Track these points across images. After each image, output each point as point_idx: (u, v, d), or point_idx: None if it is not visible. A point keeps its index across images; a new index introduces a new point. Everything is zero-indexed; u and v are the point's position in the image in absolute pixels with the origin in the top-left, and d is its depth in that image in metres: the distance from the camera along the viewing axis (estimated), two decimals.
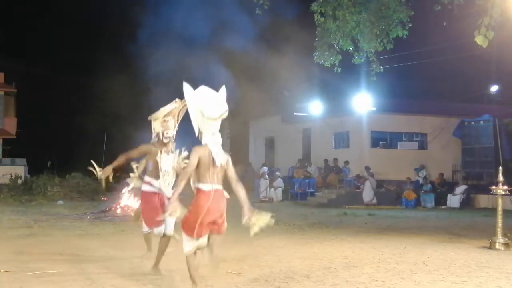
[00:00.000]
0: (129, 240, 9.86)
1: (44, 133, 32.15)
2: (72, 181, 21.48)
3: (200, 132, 5.60)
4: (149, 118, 7.07)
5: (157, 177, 6.94)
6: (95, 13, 38.42)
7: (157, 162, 6.88)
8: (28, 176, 24.81)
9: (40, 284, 6.25)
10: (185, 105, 6.67)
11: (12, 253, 8.32)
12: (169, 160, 6.92)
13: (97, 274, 6.72)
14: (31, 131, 34.84)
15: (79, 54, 37.80)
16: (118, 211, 15.25)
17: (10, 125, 37.06)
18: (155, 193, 6.98)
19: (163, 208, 6.67)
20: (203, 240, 5.67)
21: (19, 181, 22.12)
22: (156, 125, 7.02)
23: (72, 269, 7.01)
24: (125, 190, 15.84)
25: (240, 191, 5.72)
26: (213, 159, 5.52)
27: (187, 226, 5.59)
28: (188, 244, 5.64)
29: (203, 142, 5.55)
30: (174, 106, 7.03)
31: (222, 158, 5.64)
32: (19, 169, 25.46)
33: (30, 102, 35.33)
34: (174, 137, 7.07)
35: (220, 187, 5.66)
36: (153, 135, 7.05)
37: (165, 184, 6.93)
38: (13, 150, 35.77)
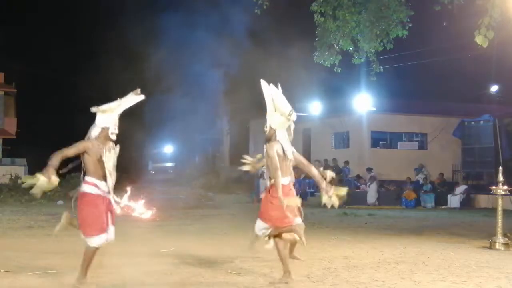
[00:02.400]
0: (129, 240, 9.85)
1: (44, 133, 32.16)
2: (72, 181, 21.46)
3: (271, 128, 6.10)
4: (95, 109, 6.14)
5: (102, 177, 6.01)
6: (94, 12, 38.45)
7: (102, 161, 5.97)
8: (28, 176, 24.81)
9: (40, 284, 6.25)
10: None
11: (12, 253, 8.32)
12: (111, 158, 6.07)
13: (97, 274, 6.71)
14: (31, 131, 34.84)
15: (79, 53, 37.80)
16: (118, 211, 15.23)
17: (10, 125, 37.06)
18: (100, 196, 6.00)
19: (110, 213, 6.03)
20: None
21: (19, 181, 22.09)
22: (105, 119, 6.10)
23: (72, 269, 6.99)
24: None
25: (314, 171, 6.33)
26: (285, 154, 6.01)
27: (279, 220, 6.02)
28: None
29: (277, 138, 6.05)
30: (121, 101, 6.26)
31: (291, 152, 6.16)
32: (19, 169, 25.45)
33: (30, 102, 35.33)
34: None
35: (292, 178, 6.14)
36: (96, 129, 6.12)
37: (110, 185, 6.05)
38: (13, 150, 35.78)
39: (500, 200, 9.70)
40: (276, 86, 6.29)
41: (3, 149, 36.51)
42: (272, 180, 6.09)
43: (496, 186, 9.80)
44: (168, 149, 36.14)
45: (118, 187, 16.43)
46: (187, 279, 6.59)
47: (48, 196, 19.43)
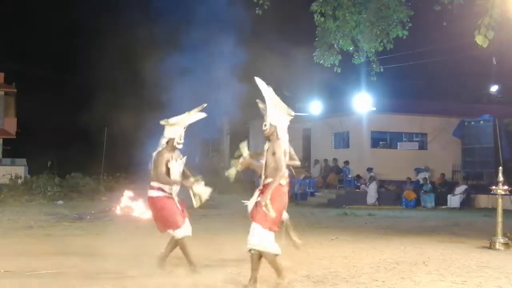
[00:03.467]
0: (129, 240, 9.85)
1: (44, 133, 32.11)
2: (72, 181, 21.49)
3: (272, 126, 6.05)
4: (164, 122, 6.92)
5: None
6: (94, 12, 38.41)
7: (168, 169, 6.79)
8: (28, 176, 24.79)
9: (40, 284, 6.26)
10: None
11: (12, 253, 8.32)
12: (177, 167, 6.89)
13: (96, 274, 6.72)
14: (31, 131, 34.80)
15: (79, 53, 37.77)
16: (118, 211, 15.26)
17: (10, 125, 37.04)
18: (168, 197, 6.86)
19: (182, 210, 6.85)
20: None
21: (19, 181, 22.10)
22: (172, 130, 6.90)
23: (72, 269, 7.01)
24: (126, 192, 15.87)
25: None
26: (285, 153, 6.03)
27: (274, 221, 5.86)
28: (271, 240, 5.90)
29: (279, 136, 6.02)
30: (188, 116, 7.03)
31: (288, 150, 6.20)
32: (19, 169, 25.45)
33: (30, 102, 35.29)
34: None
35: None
36: (164, 140, 6.94)
37: (174, 191, 6.90)
38: (13, 150, 35.77)
39: (500, 200, 9.71)
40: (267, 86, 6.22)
41: (3, 149, 36.50)
42: (268, 180, 5.94)
43: (496, 186, 9.80)
44: None
45: (118, 188, 16.39)
46: (187, 279, 6.59)
47: (48, 196, 19.47)
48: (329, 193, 22.66)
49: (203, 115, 7.12)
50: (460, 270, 7.40)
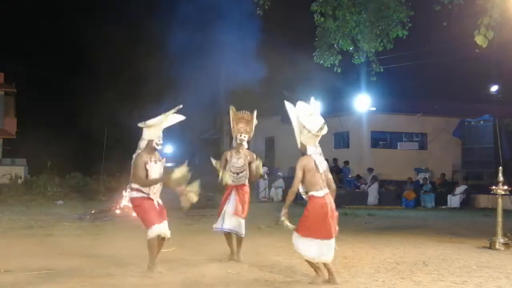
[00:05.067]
0: (129, 240, 9.84)
1: (44, 133, 32.10)
2: (72, 181, 21.47)
3: (303, 145, 6.57)
4: (142, 125, 6.89)
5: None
6: (93, 12, 38.46)
7: (147, 170, 6.76)
8: (28, 176, 24.79)
9: (40, 284, 6.26)
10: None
11: (12, 253, 8.32)
12: (157, 169, 6.86)
13: (96, 274, 6.71)
14: (31, 131, 34.79)
15: (80, 53, 37.76)
16: (118, 211, 15.25)
17: (10, 125, 37.02)
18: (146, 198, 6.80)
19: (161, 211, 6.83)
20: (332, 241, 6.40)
21: (19, 181, 22.10)
22: (151, 132, 6.87)
23: (72, 269, 7.00)
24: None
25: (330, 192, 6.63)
26: (317, 167, 6.46)
27: (312, 230, 6.38)
28: (312, 247, 6.34)
29: (308, 153, 6.52)
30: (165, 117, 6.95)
31: (324, 165, 6.61)
32: (19, 169, 25.42)
33: (30, 102, 35.31)
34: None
35: (328, 190, 6.55)
36: (143, 142, 6.90)
37: (154, 193, 6.86)
38: (13, 150, 35.75)
39: (500, 200, 9.71)
40: (307, 102, 6.72)
41: (3, 149, 36.49)
42: (308, 193, 6.55)
43: (496, 186, 9.81)
44: (168, 149, 36.14)
45: (118, 188, 16.40)
46: (187, 279, 6.60)
47: (48, 196, 19.46)
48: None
49: (181, 117, 7.13)
50: (460, 270, 7.40)
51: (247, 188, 8.01)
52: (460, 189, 21.36)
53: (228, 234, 7.84)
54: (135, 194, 6.82)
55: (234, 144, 8.14)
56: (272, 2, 13.02)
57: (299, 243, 6.41)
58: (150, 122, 6.85)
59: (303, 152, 6.60)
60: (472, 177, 22.69)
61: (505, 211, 9.98)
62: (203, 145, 33.95)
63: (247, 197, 7.99)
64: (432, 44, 23.05)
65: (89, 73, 33.63)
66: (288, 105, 6.66)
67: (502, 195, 9.74)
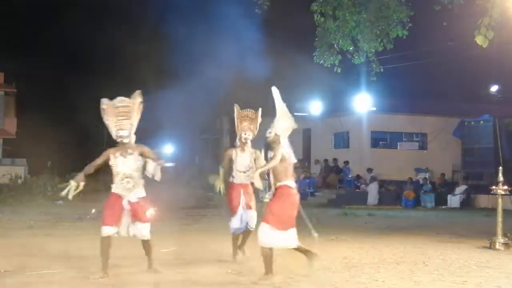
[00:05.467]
0: (127, 240, 9.83)
1: (44, 133, 32.10)
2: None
3: (276, 135, 6.55)
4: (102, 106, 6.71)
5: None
6: (93, 12, 38.44)
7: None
8: (28, 176, 24.78)
9: (40, 284, 6.26)
10: (137, 105, 6.67)
11: (12, 253, 8.32)
12: (127, 163, 6.65)
13: (96, 274, 6.70)
14: (31, 131, 34.80)
15: (80, 53, 37.78)
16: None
17: (10, 125, 37.01)
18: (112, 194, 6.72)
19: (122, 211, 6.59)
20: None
21: (19, 181, 22.09)
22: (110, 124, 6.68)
23: (71, 269, 7.00)
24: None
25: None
26: (289, 158, 6.51)
27: (280, 220, 6.34)
28: (277, 238, 6.37)
29: (281, 143, 6.50)
30: (124, 104, 6.65)
31: (293, 159, 6.61)
32: (19, 169, 25.44)
33: (30, 102, 35.31)
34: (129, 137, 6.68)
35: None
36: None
37: (125, 187, 6.68)
38: (13, 150, 35.74)
39: (500, 200, 9.71)
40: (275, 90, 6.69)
41: (3, 149, 36.48)
42: (279, 183, 6.50)
43: (496, 186, 9.80)
44: (168, 149, 36.13)
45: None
46: (187, 279, 6.59)
47: (48, 196, 19.44)
48: (329, 193, 22.65)
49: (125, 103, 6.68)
50: (460, 270, 7.40)
51: (252, 187, 8.00)
52: (460, 189, 21.36)
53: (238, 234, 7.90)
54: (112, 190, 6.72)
55: (237, 143, 8.07)
56: (272, 1, 13.02)
57: (269, 234, 6.35)
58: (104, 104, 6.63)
59: (272, 142, 6.60)
60: (472, 177, 22.67)
61: (505, 211, 9.97)
62: (203, 145, 33.93)
63: (253, 195, 8.05)
64: (432, 44, 23.04)
65: (89, 72, 33.65)
66: (275, 91, 6.70)
67: (502, 195, 9.74)
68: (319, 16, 12.98)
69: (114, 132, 6.64)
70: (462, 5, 11.47)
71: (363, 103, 23.30)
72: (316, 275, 6.89)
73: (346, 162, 23.77)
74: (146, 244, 6.73)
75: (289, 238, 6.44)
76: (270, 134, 6.59)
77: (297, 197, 6.56)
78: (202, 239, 10.18)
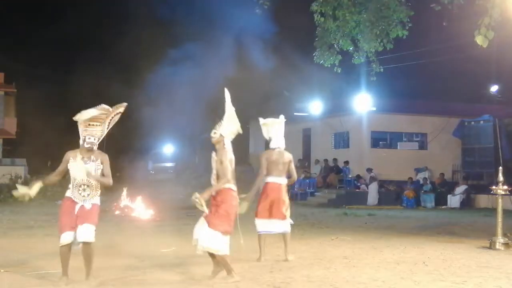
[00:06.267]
0: (128, 240, 9.85)
1: (44, 133, 32.09)
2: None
3: (221, 136, 6.58)
4: (75, 118, 6.43)
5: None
6: (93, 12, 38.45)
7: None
8: (28, 176, 24.77)
9: (40, 284, 6.25)
10: (115, 114, 6.48)
11: (12, 253, 8.32)
12: (87, 169, 6.37)
13: (96, 273, 6.70)
14: (31, 131, 34.81)
15: (80, 53, 37.78)
16: (117, 212, 15.25)
17: (10, 125, 37.03)
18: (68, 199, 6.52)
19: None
20: None
21: (19, 181, 22.08)
22: (80, 128, 6.43)
23: (71, 269, 6.98)
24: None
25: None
26: (231, 163, 6.53)
27: (225, 224, 6.41)
28: (223, 241, 6.39)
29: (225, 146, 6.54)
30: (100, 112, 6.41)
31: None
32: (19, 169, 25.42)
33: (30, 102, 35.28)
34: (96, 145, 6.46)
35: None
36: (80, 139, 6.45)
37: (80, 195, 6.42)
38: (13, 150, 35.76)
39: (500, 200, 9.71)
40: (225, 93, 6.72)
41: (3, 149, 36.48)
42: (220, 185, 6.47)
43: (496, 186, 9.80)
44: (168, 149, 36.13)
45: (117, 188, 16.35)
46: (187, 279, 6.59)
47: (48, 196, 19.43)
48: (329, 193, 22.66)
49: (102, 111, 6.42)
50: (460, 270, 7.40)
51: None
52: (460, 189, 21.37)
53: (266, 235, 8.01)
54: (66, 193, 6.48)
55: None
56: (272, 1, 13.03)
57: (212, 237, 6.34)
58: (77, 116, 6.37)
59: (216, 143, 6.62)
60: (472, 177, 22.69)
61: (505, 211, 9.98)
62: (203, 145, 33.94)
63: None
64: (432, 44, 23.06)
65: (89, 72, 33.61)
66: (226, 93, 6.71)
67: (502, 195, 9.73)
68: (319, 16, 12.98)
69: (82, 137, 6.38)
70: (462, 5, 11.46)
71: (363, 103, 23.31)
72: (316, 275, 6.89)
73: (346, 162, 23.78)
74: (88, 248, 6.15)
75: (227, 242, 6.41)
76: (215, 134, 6.61)
77: (237, 200, 6.59)
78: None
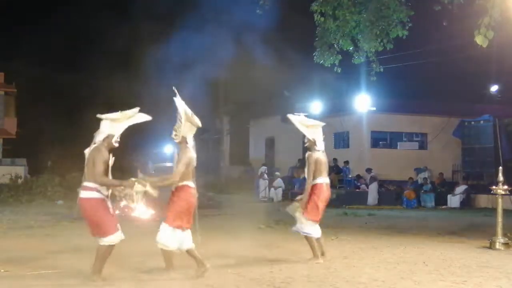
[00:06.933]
0: (128, 240, 9.83)
1: (44, 132, 32.10)
2: (72, 181, 21.41)
3: (183, 137, 6.62)
4: (104, 116, 6.36)
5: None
6: (96, 11, 38.42)
7: (108, 166, 6.29)
8: (28, 176, 24.76)
9: (40, 284, 6.26)
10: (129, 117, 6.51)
11: (12, 253, 8.33)
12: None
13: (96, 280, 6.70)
14: (31, 131, 34.82)
15: (80, 52, 37.74)
16: (117, 211, 15.22)
17: (10, 125, 37.07)
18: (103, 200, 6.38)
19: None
20: None
21: (19, 181, 22.08)
22: (112, 127, 6.34)
23: (72, 269, 7.00)
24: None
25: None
26: (192, 161, 6.65)
27: (183, 220, 6.61)
28: (177, 237, 6.59)
29: (188, 145, 6.62)
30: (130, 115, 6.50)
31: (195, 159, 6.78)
32: (19, 169, 25.39)
33: (30, 102, 35.28)
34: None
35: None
36: (101, 135, 6.32)
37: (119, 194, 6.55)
38: (13, 150, 35.76)
39: (500, 200, 9.71)
40: (174, 93, 6.69)
41: (3, 149, 36.50)
42: (172, 180, 6.57)
43: (496, 186, 9.80)
44: (168, 148, 36.13)
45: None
46: (187, 279, 6.59)
47: (48, 196, 19.43)
48: None
49: (147, 117, 6.57)
50: (460, 270, 7.40)
51: None
52: (460, 189, 21.36)
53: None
54: (90, 194, 6.20)
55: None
56: (272, 2, 13.04)
57: (166, 234, 6.51)
58: (115, 115, 6.37)
59: (180, 142, 6.66)
60: (472, 177, 22.69)
61: (505, 211, 9.97)
62: (203, 145, 33.93)
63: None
64: (432, 44, 23.06)
65: (89, 70, 33.61)
66: (177, 98, 6.66)
67: (502, 195, 9.73)
68: (319, 16, 12.98)
69: (116, 137, 6.37)
70: (462, 5, 11.47)
71: (363, 103, 23.31)
72: (316, 276, 6.90)
73: (346, 162, 23.76)
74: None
75: (186, 238, 6.58)
76: (176, 136, 6.65)
77: (196, 197, 6.71)
78: (202, 239, 10.13)
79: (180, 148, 6.69)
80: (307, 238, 7.98)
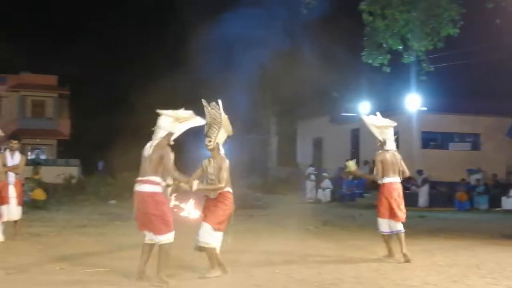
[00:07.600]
0: (183, 240, 9.95)
1: (97, 134, 32.83)
2: (124, 181, 21.82)
3: (217, 144, 6.75)
4: (164, 112, 6.40)
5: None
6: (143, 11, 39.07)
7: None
8: (81, 176, 25.42)
9: (92, 282, 6.38)
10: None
11: (66, 251, 8.56)
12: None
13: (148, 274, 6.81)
14: (84, 132, 35.67)
15: (130, 54, 38.41)
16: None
17: (64, 127, 38.18)
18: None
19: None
20: None
21: (73, 181, 22.69)
22: (174, 125, 6.40)
23: (123, 268, 7.11)
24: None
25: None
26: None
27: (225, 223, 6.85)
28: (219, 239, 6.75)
29: (220, 152, 6.77)
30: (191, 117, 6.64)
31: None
32: (73, 170, 26.10)
33: (83, 103, 36.18)
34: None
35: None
36: (162, 132, 6.35)
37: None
38: (67, 151, 36.78)
39: None
40: (218, 103, 6.79)
41: (58, 150, 37.61)
42: (220, 186, 6.70)
43: None
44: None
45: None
46: (236, 279, 6.63)
47: (101, 196, 19.88)
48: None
49: (202, 121, 6.71)
50: None
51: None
52: None
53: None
54: (159, 188, 6.23)
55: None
56: (318, 1, 12.99)
57: (209, 233, 6.64)
58: (183, 114, 6.48)
59: (212, 150, 6.75)
60: None
61: None
62: (250, 145, 34.05)
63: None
64: (484, 42, 22.47)
65: (139, 72, 34.12)
66: (220, 103, 6.75)
67: None
68: (367, 15, 12.86)
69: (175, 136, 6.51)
70: None
71: (413, 102, 22.95)
72: (365, 277, 6.84)
73: None
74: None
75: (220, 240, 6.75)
76: (210, 143, 6.72)
77: (232, 202, 6.85)
78: (248, 238, 10.18)
79: (213, 155, 6.76)
80: (389, 236, 8.26)
